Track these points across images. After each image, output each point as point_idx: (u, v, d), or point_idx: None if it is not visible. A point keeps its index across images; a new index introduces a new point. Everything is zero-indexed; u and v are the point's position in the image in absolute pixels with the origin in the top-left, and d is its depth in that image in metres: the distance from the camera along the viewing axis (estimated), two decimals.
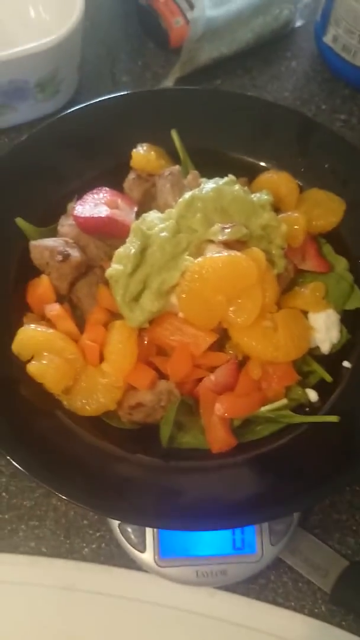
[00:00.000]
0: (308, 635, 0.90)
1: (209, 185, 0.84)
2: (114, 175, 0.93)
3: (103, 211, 0.84)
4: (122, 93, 0.99)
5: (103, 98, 0.97)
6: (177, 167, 0.90)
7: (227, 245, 0.80)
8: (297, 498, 0.74)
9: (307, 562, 0.92)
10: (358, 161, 0.94)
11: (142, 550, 0.87)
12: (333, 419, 0.78)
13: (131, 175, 0.92)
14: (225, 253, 0.79)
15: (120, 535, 0.89)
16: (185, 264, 0.79)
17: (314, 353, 0.87)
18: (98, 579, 0.92)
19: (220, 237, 0.80)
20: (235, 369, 0.81)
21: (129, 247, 0.79)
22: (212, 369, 0.82)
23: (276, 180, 0.93)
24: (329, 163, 0.94)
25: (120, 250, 0.80)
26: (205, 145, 0.97)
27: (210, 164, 0.92)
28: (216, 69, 1.23)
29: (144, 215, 0.84)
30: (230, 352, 0.83)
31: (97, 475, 0.77)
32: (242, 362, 0.83)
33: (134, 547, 0.88)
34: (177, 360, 0.80)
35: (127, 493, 0.75)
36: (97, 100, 0.97)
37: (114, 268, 0.79)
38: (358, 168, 0.93)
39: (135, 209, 0.88)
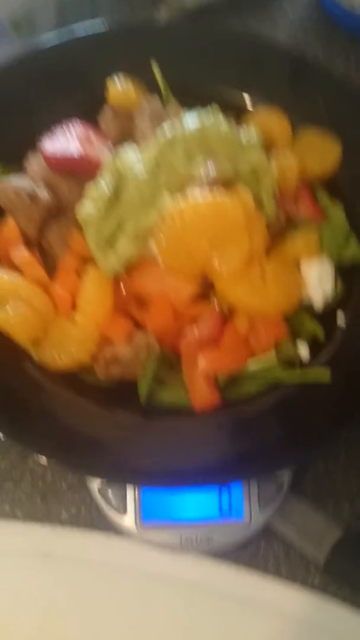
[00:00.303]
0: (301, 606, 0.85)
1: (191, 118, 0.77)
2: (89, 110, 0.86)
3: (74, 148, 0.77)
4: (99, 26, 0.91)
5: (80, 34, 0.89)
6: (156, 99, 0.83)
7: (212, 185, 0.73)
8: (283, 454, 0.68)
9: (300, 531, 0.87)
10: (354, 99, 0.86)
11: (123, 513, 0.82)
12: (323, 373, 0.71)
13: (107, 110, 0.85)
14: (209, 194, 0.72)
15: (100, 497, 0.83)
16: (163, 205, 0.72)
17: (306, 308, 0.80)
18: (77, 545, 0.87)
19: (203, 175, 0.73)
20: (220, 322, 0.75)
21: (102, 187, 0.72)
22: (195, 322, 0.76)
23: (267, 119, 0.86)
24: (324, 101, 0.87)
25: (93, 190, 0.74)
26: (189, 81, 0.89)
27: (194, 101, 0.84)
28: (205, 13, 1.15)
29: (120, 151, 0.77)
30: (216, 303, 0.77)
31: (72, 431, 0.72)
32: (228, 315, 0.77)
33: (114, 511, 0.83)
34: (156, 311, 0.74)
35: (104, 450, 0.70)
36: (73, 32, 0.89)
37: (86, 210, 0.73)
38: (354, 105, 0.85)
39: (111, 145, 0.81)
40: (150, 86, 0.89)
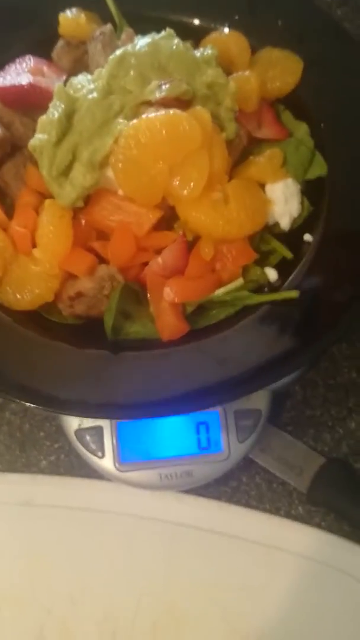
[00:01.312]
0: (285, 538, 0.85)
1: (143, 40, 0.73)
2: (43, 47, 0.83)
3: (25, 79, 0.74)
4: None
5: None
6: (109, 25, 0.79)
7: (167, 105, 0.70)
8: (255, 377, 0.66)
9: (281, 461, 0.86)
10: (314, 14, 0.83)
11: (101, 456, 0.81)
12: (292, 294, 0.70)
13: (60, 43, 0.82)
14: (164, 113, 0.69)
15: (78, 442, 0.82)
16: (118, 129, 0.69)
17: (273, 231, 0.78)
18: (57, 492, 0.87)
19: (158, 95, 0.70)
20: (184, 249, 0.73)
21: (52, 112, 0.69)
22: (159, 251, 0.73)
23: (224, 40, 0.82)
24: (283, 20, 0.83)
25: (43, 117, 0.70)
26: (143, 8, 0.86)
27: (149, 30, 0.80)
28: None
29: (72, 78, 0.74)
30: (180, 231, 0.74)
31: (40, 371, 0.70)
32: (194, 243, 0.74)
33: (92, 454, 0.82)
34: (117, 241, 0.72)
35: (74, 386, 0.68)
36: None
37: (37, 138, 0.70)
38: (314, 22, 0.82)
39: (64, 77, 0.77)
40: (105, 19, 0.86)
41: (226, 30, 0.85)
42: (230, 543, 0.84)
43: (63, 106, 0.69)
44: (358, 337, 0.92)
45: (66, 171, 0.70)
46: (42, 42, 0.84)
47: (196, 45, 0.84)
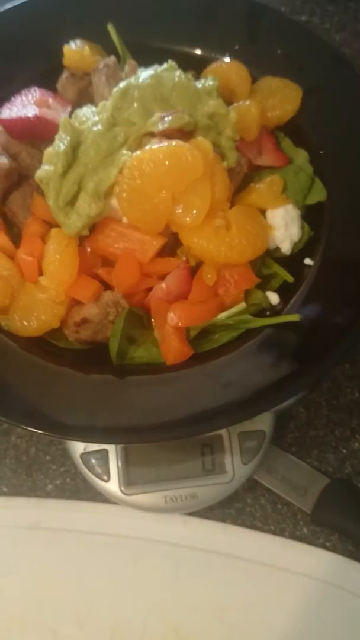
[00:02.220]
0: (290, 558, 0.85)
1: (146, 72, 0.75)
2: (47, 78, 0.85)
3: (31, 111, 0.76)
4: None
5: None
6: (112, 57, 0.81)
7: (169, 136, 0.72)
8: (259, 400, 0.67)
9: (285, 482, 0.87)
10: (312, 44, 0.85)
11: (107, 479, 0.82)
12: (294, 317, 0.71)
13: (64, 74, 0.84)
14: (167, 144, 0.71)
15: (83, 466, 0.83)
16: (122, 160, 0.71)
17: (274, 255, 0.79)
18: (64, 515, 0.87)
19: (161, 127, 0.72)
20: (188, 275, 0.74)
21: (58, 144, 0.71)
22: (162, 277, 0.75)
23: (225, 70, 0.84)
24: (282, 49, 0.85)
25: (49, 149, 0.72)
26: (146, 40, 0.88)
27: (152, 60, 0.83)
28: None
29: (77, 110, 0.76)
30: (183, 257, 0.76)
31: (46, 397, 0.71)
32: (196, 268, 0.76)
33: (98, 478, 0.82)
34: (122, 268, 0.73)
35: (80, 411, 0.69)
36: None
37: (44, 169, 0.72)
38: (313, 52, 0.84)
39: (69, 109, 0.79)
40: (108, 50, 0.88)
41: (227, 59, 0.87)
42: (235, 564, 0.85)
43: (69, 138, 0.71)
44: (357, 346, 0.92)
45: (72, 201, 0.72)
46: (46, 72, 0.86)
47: (198, 74, 0.86)
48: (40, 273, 0.74)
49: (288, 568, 0.84)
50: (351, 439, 0.90)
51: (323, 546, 0.86)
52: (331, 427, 0.90)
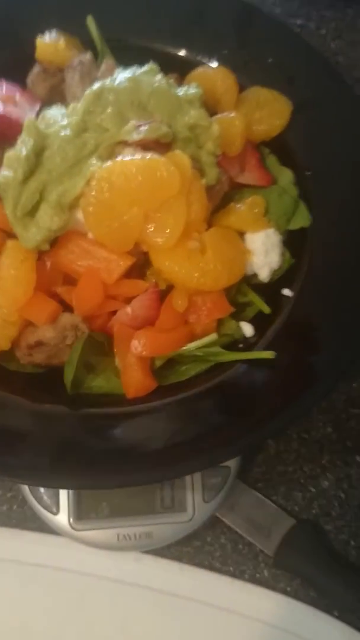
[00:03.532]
0: (249, 603, 0.80)
1: (123, 74, 0.68)
2: (16, 70, 0.78)
3: None
4: None
5: None
6: (88, 54, 0.74)
7: (145, 147, 0.66)
8: (226, 445, 0.61)
9: (248, 521, 0.82)
10: (307, 55, 0.79)
11: (55, 512, 0.76)
12: (268, 355, 0.65)
13: (36, 69, 0.77)
14: (141, 156, 0.64)
15: (31, 495, 0.77)
16: (91, 170, 0.64)
17: (252, 282, 0.74)
18: (8, 545, 0.81)
19: (135, 137, 0.65)
20: (156, 300, 0.68)
21: (20, 148, 0.64)
22: (128, 300, 0.69)
23: (211, 76, 0.78)
24: (274, 57, 0.79)
25: (11, 152, 0.65)
26: (128, 36, 0.81)
27: (134, 60, 0.76)
28: None
29: (44, 111, 0.69)
30: (152, 280, 0.69)
31: None
32: (166, 292, 0.70)
33: (46, 509, 0.76)
34: (84, 288, 0.67)
35: (22, 447, 0.62)
36: None
37: (2, 174, 0.64)
38: (306, 63, 0.78)
39: (38, 107, 0.72)
40: (86, 43, 0.81)
41: (214, 64, 0.80)
42: (190, 607, 0.79)
43: (32, 142, 0.64)
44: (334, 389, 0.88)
45: (32, 212, 0.65)
46: (17, 63, 0.79)
47: (181, 78, 0.79)
48: None
49: (246, 613, 0.79)
50: (321, 476, 0.85)
51: (284, 591, 0.81)
52: (300, 463, 0.85)
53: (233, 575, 0.81)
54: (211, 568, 0.81)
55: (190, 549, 0.81)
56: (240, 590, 0.81)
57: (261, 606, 0.80)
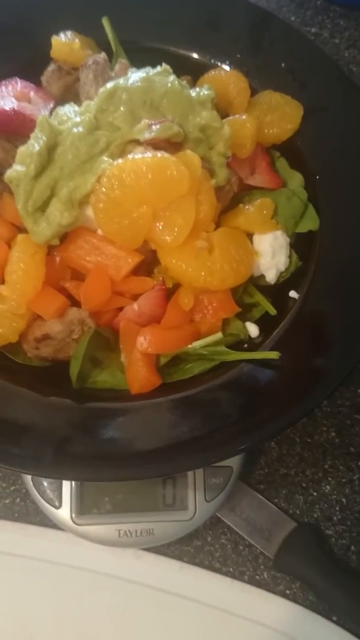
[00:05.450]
0: (247, 604, 0.80)
1: (137, 74, 0.69)
2: (32, 69, 0.79)
3: (9, 104, 0.70)
4: None
5: None
6: (102, 54, 0.75)
7: (156, 146, 0.66)
8: (228, 443, 0.62)
9: (249, 522, 0.82)
10: (320, 61, 0.79)
11: (58, 506, 0.76)
12: (273, 355, 0.65)
13: (50, 67, 0.78)
14: (152, 155, 0.65)
15: (34, 489, 0.77)
16: (102, 167, 0.65)
17: (258, 283, 0.74)
18: (10, 538, 0.82)
19: (147, 136, 0.66)
20: (163, 297, 0.69)
21: (33, 144, 0.65)
22: (135, 297, 0.69)
23: (224, 79, 0.78)
24: (287, 63, 0.80)
25: (23, 148, 0.66)
26: (142, 38, 0.82)
27: (147, 62, 0.76)
28: None
29: (57, 108, 0.70)
30: (159, 277, 0.70)
31: None
32: (173, 290, 0.70)
33: (48, 503, 0.76)
34: (91, 284, 0.67)
35: (27, 438, 0.63)
36: None
37: (15, 169, 0.65)
38: (319, 68, 0.79)
39: (52, 104, 0.73)
40: (101, 44, 0.82)
41: (227, 67, 0.81)
42: (188, 606, 0.79)
43: (45, 138, 0.65)
44: (340, 394, 0.88)
45: (43, 207, 0.66)
46: (33, 62, 0.80)
47: (194, 81, 0.80)
48: (2, 281, 0.68)
49: (243, 615, 0.79)
50: (323, 481, 0.85)
51: (283, 594, 0.81)
52: (303, 467, 0.85)
53: (233, 576, 0.81)
54: (211, 568, 0.81)
55: (191, 548, 0.81)
56: (239, 591, 0.81)
57: (260, 608, 0.80)
